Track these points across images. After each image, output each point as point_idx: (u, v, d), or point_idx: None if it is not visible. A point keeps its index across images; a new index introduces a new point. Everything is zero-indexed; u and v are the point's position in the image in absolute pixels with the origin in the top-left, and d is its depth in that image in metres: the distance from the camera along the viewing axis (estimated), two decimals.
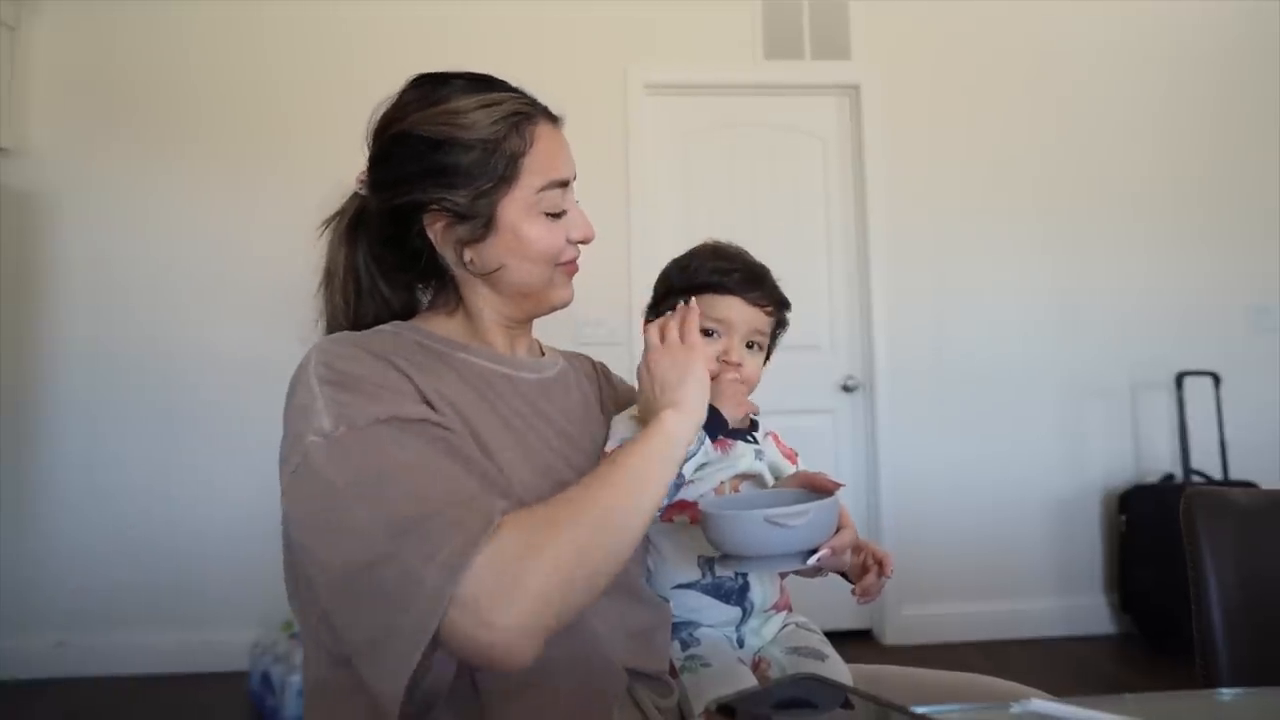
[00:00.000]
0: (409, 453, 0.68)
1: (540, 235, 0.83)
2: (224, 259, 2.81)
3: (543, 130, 0.83)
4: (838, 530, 0.82)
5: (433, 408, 0.74)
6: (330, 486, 0.67)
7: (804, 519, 0.76)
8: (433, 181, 0.80)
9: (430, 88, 0.83)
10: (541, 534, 0.65)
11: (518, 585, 0.62)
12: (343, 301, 0.88)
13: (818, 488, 0.87)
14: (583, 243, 0.88)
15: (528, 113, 0.83)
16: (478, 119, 0.80)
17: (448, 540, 0.63)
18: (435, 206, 0.81)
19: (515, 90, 0.85)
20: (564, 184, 0.84)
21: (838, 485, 0.85)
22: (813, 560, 0.79)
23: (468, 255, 0.83)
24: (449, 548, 0.62)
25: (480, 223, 0.81)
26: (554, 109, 0.87)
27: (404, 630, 0.62)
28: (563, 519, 0.67)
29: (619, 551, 0.70)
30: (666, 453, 0.77)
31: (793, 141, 3.07)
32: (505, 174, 0.80)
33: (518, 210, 0.81)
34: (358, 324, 0.87)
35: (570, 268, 0.88)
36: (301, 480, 0.69)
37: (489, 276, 0.84)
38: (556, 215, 0.84)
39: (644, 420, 0.83)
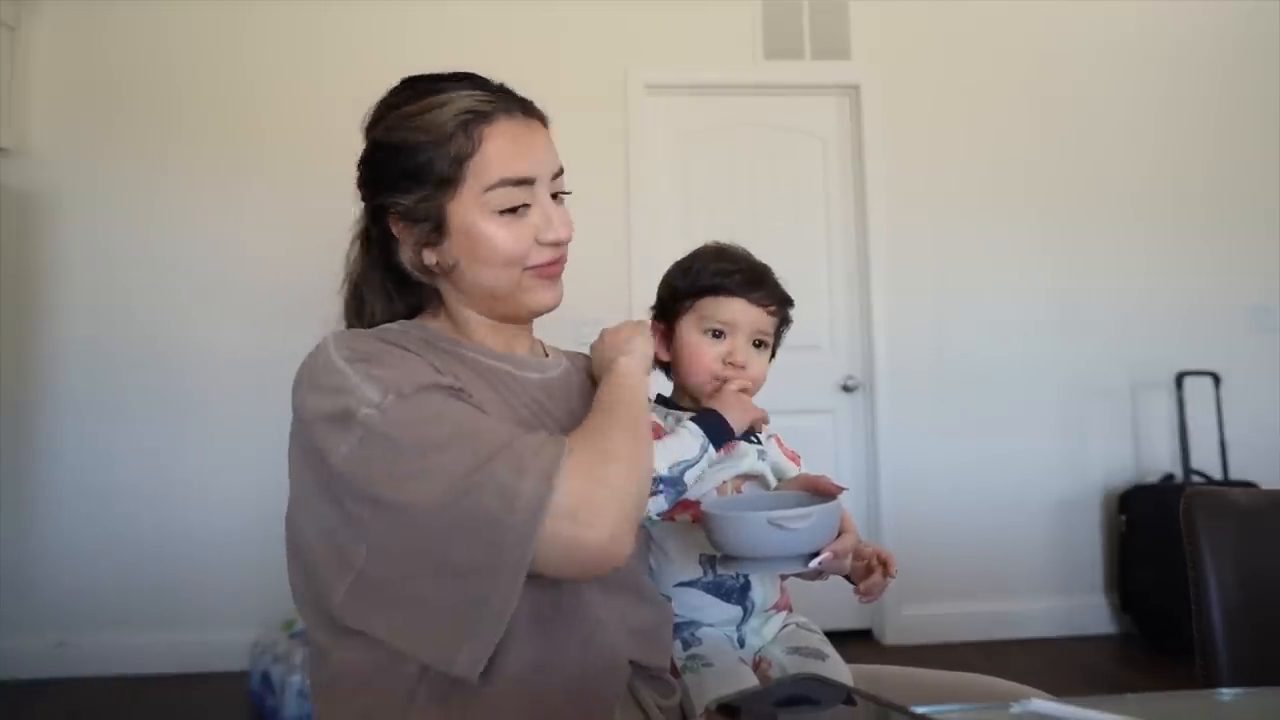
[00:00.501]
0: (462, 409, 0.73)
1: (494, 235, 0.81)
2: (224, 259, 2.81)
3: (500, 128, 0.80)
4: (839, 534, 0.82)
5: None
6: (401, 443, 0.69)
7: (806, 522, 0.76)
8: (391, 185, 0.81)
9: (409, 91, 0.83)
10: (603, 442, 0.73)
11: (605, 486, 0.69)
12: (354, 300, 0.89)
13: (820, 491, 0.87)
14: (557, 243, 0.84)
15: (483, 111, 0.80)
16: (430, 121, 0.79)
17: (533, 458, 0.68)
18: (392, 211, 0.82)
19: (485, 87, 0.83)
20: (521, 181, 0.81)
21: (840, 489, 0.85)
22: (814, 564, 0.79)
23: (429, 257, 0.83)
24: (538, 463, 0.68)
25: (429, 226, 0.81)
26: (537, 103, 0.85)
27: (509, 544, 0.66)
28: (609, 428, 0.75)
29: (652, 457, 0.79)
30: (631, 382, 0.84)
31: (793, 141, 3.07)
32: (448, 176, 0.79)
33: (467, 212, 0.80)
34: (369, 324, 0.88)
35: (546, 270, 0.84)
36: (368, 449, 0.69)
37: (450, 277, 0.84)
38: (514, 212, 0.81)
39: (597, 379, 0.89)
